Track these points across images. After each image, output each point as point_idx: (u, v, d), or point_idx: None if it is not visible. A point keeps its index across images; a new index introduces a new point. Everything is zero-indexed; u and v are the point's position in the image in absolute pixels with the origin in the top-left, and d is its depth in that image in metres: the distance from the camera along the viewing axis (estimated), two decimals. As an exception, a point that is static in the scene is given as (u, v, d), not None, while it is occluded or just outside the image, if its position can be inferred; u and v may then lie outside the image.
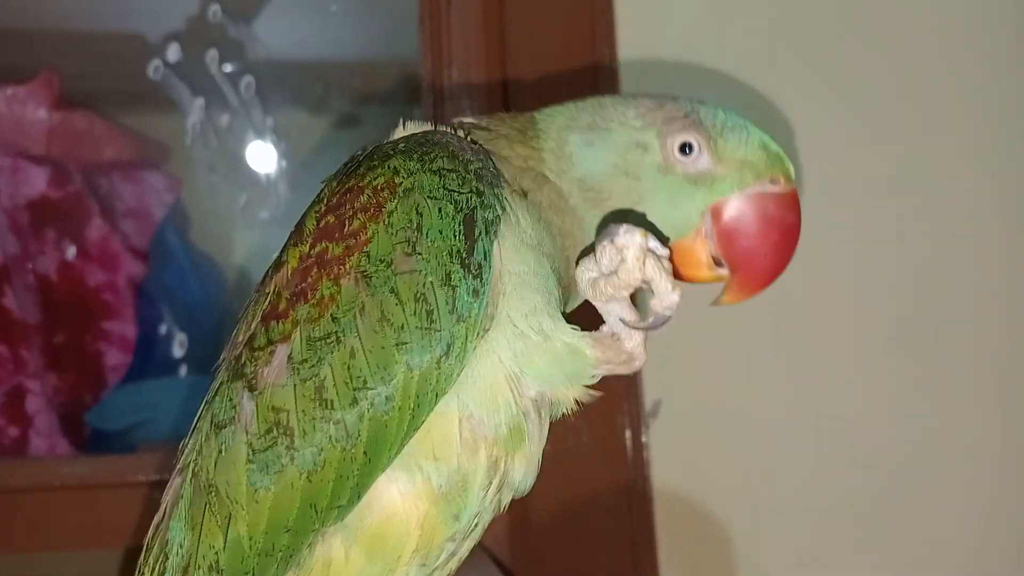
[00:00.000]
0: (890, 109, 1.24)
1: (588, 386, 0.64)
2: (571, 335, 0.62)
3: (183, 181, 1.56)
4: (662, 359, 1.18)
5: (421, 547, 0.61)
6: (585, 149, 0.67)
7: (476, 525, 0.63)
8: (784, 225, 0.66)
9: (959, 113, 1.24)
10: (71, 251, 1.41)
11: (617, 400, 1.14)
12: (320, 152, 1.59)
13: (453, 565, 0.65)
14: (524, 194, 0.65)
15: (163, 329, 1.44)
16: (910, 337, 1.22)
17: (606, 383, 1.16)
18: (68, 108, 1.49)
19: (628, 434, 1.16)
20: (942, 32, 1.25)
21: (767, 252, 0.66)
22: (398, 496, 0.60)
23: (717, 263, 0.67)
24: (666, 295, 0.61)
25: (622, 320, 0.63)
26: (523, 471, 0.63)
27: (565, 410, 0.64)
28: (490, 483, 0.61)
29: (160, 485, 0.67)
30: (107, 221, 1.45)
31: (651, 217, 0.66)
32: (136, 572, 0.65)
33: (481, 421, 0.60)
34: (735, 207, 0.66)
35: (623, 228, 0.61)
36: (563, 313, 0.65)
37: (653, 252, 0.61)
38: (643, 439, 1.17)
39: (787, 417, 1.21)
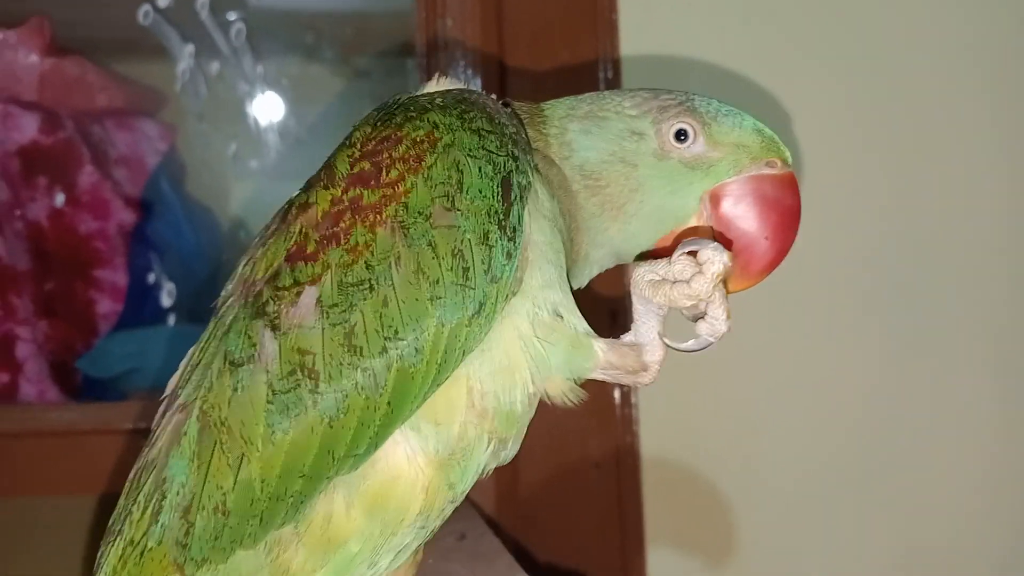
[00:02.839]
0: (891, 98, 1.23)
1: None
2: (583, 325, 0.63)
3: (178, 129, 1.54)
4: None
5: (424, 511, 0.61)
6: (583, 137, 0.67)
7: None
8: (783, 207, 0.65)
9: (959, 99, 1.23)
10: (60, 198, 1.40)
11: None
12: (311, 102, 1.57)
13: (439, 523, 0.65)
14: (537, 168, 0.65)
15: (152, 278, 1.44)
16: (903, 303, 1.22)
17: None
18: (60, 54, 1.47)
19: (617, 394, 1.17)
20: (941, 20, 1.24)
21: (768, 235, 0.65)
22: (404, 458, 0.60)
23: None
24: (720, 322, 0.62)
25: (660, 334, 0.64)
26: (514, 445, 0.64)
27: (547, 400, 0.64)
28: (488, 455, 0.62)
29: (148, 433, 0.64)
30: (99, 168, 1.44)
31: (649, 205, 0.66)
32: (119, 510, 0.64)
33: (491, 394, 0.60)
34: (733, 190, 0.65)
35: (712, 244, 0.61)
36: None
37: (726, 285, 0.61)
38: (632, 399, 1.17)
39: (776, 378, 1.21)
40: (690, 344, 0.63)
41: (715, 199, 0.65)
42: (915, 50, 1.23)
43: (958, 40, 1.24)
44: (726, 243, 0.64)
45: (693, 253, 0.62)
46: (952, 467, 1.22)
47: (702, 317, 0.62)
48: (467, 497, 0.65)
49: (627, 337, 0.65)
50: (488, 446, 0.61)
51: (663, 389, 1.18)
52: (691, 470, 1.20)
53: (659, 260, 0.63)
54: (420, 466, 0.60)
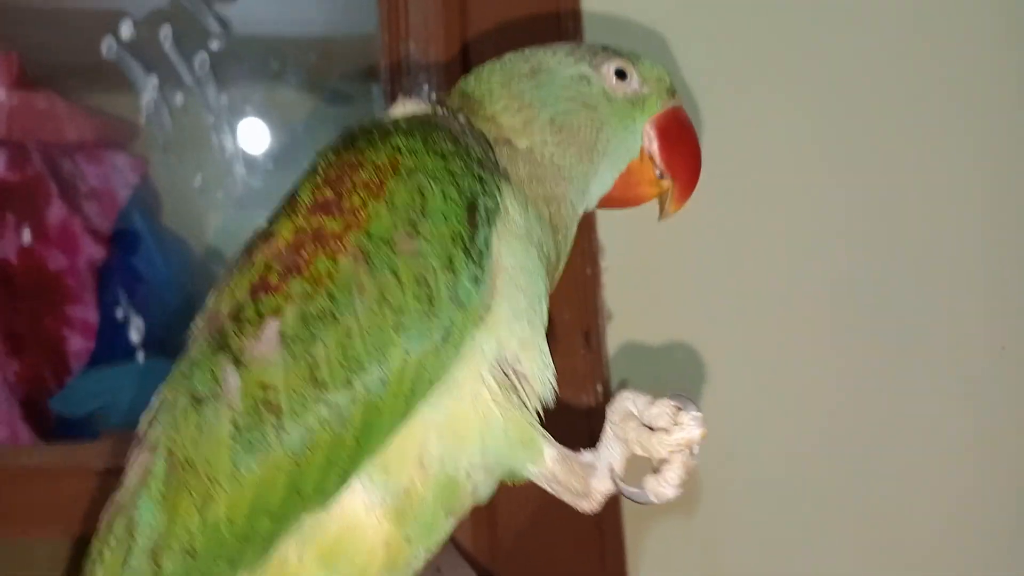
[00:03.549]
0: (860, 75, 1.22)
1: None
2: (535, 424, 0.61)
3: (149, 160, 1.53)
4: (628, 338, 1.18)
5: (388, 567, 0.59)
6: (541, 91, 0.67)
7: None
8: (693, 131, 0.71)
9: (929, 81, 1.23)
10: (27, 235, 1.39)
11: (581, 380, 1.13)
12: (278, 129, 1.57)
13: (420, 564, 0.63)
14: (507, 176, 0.64)
15: (120, 314, 1.42)
16: (879, 304, 1.21)
17: (572, 363, 1.16)
18: (28, 88, 1.46)
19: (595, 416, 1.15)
20: (922, 15, 1.23)
21: (694, 156, 0.71)
22: (362, 507, 0.58)
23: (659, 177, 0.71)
24: (669, 487, 0.60)
25: (612, 467, 0.62)
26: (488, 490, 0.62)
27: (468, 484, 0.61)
28: (443, 519, 0.60)
29: (119, 472, 0.63)
30: (68, 203, 1.43)
31: (613, 142, 0.68)
32: (93, 553, 0.62)
33: (436, 455, 0.58)
34: (667, 120, 0.70)
35: (695, 412, 0.60)
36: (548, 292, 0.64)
37: (693, 452, 0.60)
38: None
39: (756, 389, 1.20)
40: (634, 493, 0.61)
41: (658, 129, 0.69)
42: (896, 30, 1.23)
43: (937, 40, 1.23)
44: (668, 166, 0.69)
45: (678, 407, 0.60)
46: (933, 471, 1.21)
47: (657, 470, 0.60)
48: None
49: (586, 456, 0.62)
50: (438, 510, 0.59)
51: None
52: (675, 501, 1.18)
53: (645, 394, 0.62)
54: (378, 517, 0.58)
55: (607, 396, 1.15)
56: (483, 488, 0.62)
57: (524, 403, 0.60)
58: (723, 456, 1.18)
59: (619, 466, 0.62)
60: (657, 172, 0.70)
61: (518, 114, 0.67)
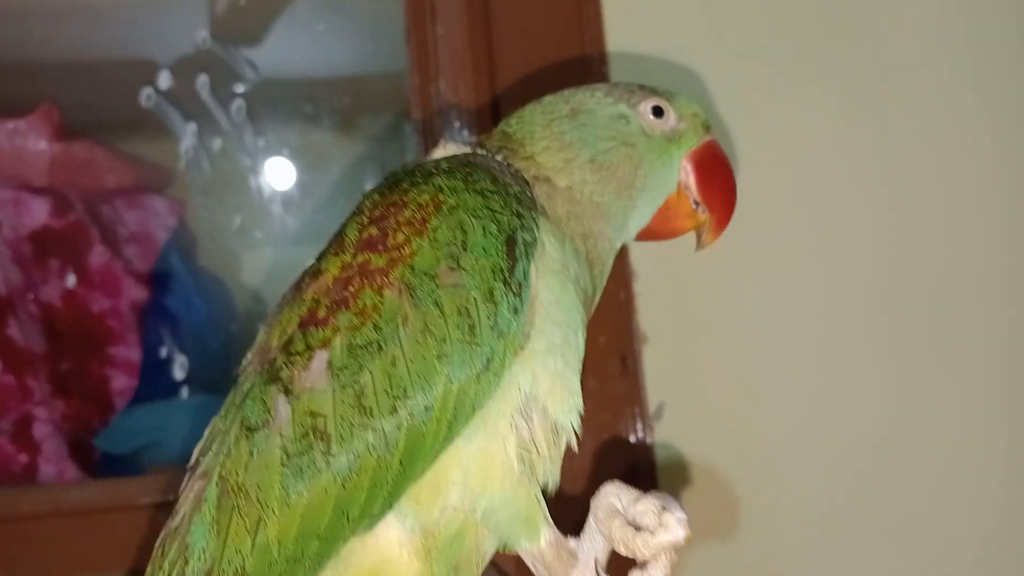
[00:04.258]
0: (887, 97, 1.23)
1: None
2: (541, 501, 0.62)
3: (186, 204, 1.57)
4: (665, 361, 1.19)
5: None
6: (581, 131, 0.69)
7: None
8: (728, 163, 0.73)
9: (958, 100, 1.23)
10: (72, 279, 1.43)
11: (619, 405, 1.15)
12: (313, 170, 1.60)
13: None
14: (544, 213, 0.66)
15: (164, 352, 1.46)
16: (917, 321, 1.21)
17: (609, 388, 1.17)
18: (68, 139, 1.50)
19: (632, 439, 1.16)
20: (935, 24, 1.24)
21: (730, 188, 0.73)
22: (395, 541, 0.61)
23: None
24: None
25: (596, 559, 0.63)
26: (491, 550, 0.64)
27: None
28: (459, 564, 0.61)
29: (167, 507, 0.66)
30: (109, 247, 1.47)
31: (650, 179, 0.71)
32: None
33: (467, 491, 0.60)
34: (703, 154, 0.72)
35: (679, 513, 0.60)
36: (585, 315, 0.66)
37: (676, 552, 0.60)
38: (648, 439, 1.17)
39: (794, 409, 1.20)
40: None
41: (695, 164, 0.71)
42: (910, 43, 1.24)
43: (956, 39, 1.24)
44: (705, 199, 0.71)
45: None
46: (982, 486, 1.21)
47: (643, 567, 0.61)
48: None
49: (572, 542, 0.64)
50: (456, 553, 0.61)
51: (681, 423, 1.18)
52: (714, 522, 1.19)
53: (631, 490, 0.62)
54: (409, 553, 0.60)
55: (645, 420, 1.16)
56: (487, 546, 0.63)
57: (537, 473, 0.62)
58: (764, 477, 1.19)
59: (602, 559, 0.63)
60: (693, 204, 0.72)
61: (559, 154, 0.69)
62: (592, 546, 0.63)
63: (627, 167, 0.70)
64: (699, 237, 0.74)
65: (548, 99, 0.72)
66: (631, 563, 0.61)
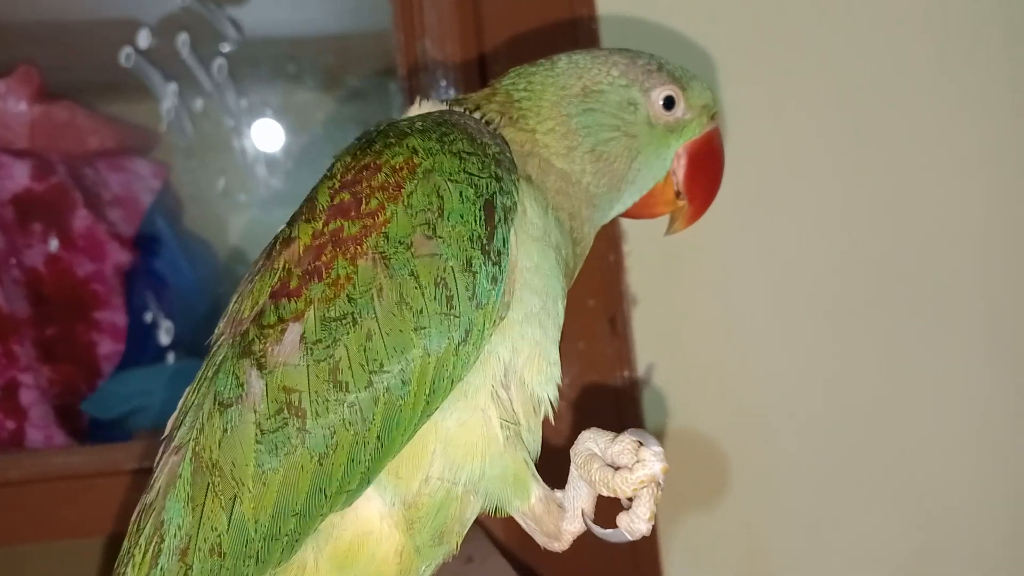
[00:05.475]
0: (881, 97, 1.23)
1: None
2: (529, 462, 0.61)
3: (170, 166, 1.55)
4: (655, 323, 1.19)
5: (403, 574, 0.60)
6: (588, 117, 0.67)
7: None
8: (721, 156, 0.72)
9: (944, 89, 1.24)
10: (55, 243, 1.41)
11: (608, 366, 1.15)
12: (297, 130, 1.58)
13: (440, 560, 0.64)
14: (529, 179, 0.64)
15: (149, 317, 1.44)
16: (906, 285, 1.22)
17: (599, 349, 1.16)
18: (49, 100, 1.48)
19: (622, 401, 1.16)
20: (922, 16, 1.24)
21: (715, 181, 0.71)
22: (376, 514, 0.60)
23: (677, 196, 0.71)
24: (639, 522, 0.60)
25: (583, 508, 0.62)
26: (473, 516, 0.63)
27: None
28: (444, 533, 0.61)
29: (152, 472, 0.64)
30: (92, 211, 1.45)
31: (643, 170, 0.68)
32: (123, 553, 0.63)
33: (448, 463, 0.59)
34: (699, 146, 0.70)
35: (655, 447, 0.59)
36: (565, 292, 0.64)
37: (659, 485, 0.59)
38: (638, 402, 1.17)
39: (784, 370, 1.20)
40: (608, 533, 0.61)
41: (690, 155, 0.69)
42: (900, 31, 1.23)
43: (945, 36, 1.24)
44: (689, 189, 0.69)
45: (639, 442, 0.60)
46: (971, 445, 1.22)
47: (627, 507, 0.60)
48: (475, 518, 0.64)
49: (558, 494, 0.63)
50: (439, 524, 0.60)
51: (673, 403, 1.18)
52: (704, 484, 1.19)
53: (607, 432, 0.61)
54: (389, 525, 0.60)
55: (633, 381, 1.16)
56: (470, 513, 0.62)
57: (523, 439, 0.61)
58: (754, 439, 1.19)
59: (588, 507, 0.62)
60: (676, 192, 0.70)
61: (563, 140, 0.67)
62: (577, 495, 0.62)
63: (624, 160, 0.67)
64: (672, 223, 0.72)
65: (562, 67, 0.68)
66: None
